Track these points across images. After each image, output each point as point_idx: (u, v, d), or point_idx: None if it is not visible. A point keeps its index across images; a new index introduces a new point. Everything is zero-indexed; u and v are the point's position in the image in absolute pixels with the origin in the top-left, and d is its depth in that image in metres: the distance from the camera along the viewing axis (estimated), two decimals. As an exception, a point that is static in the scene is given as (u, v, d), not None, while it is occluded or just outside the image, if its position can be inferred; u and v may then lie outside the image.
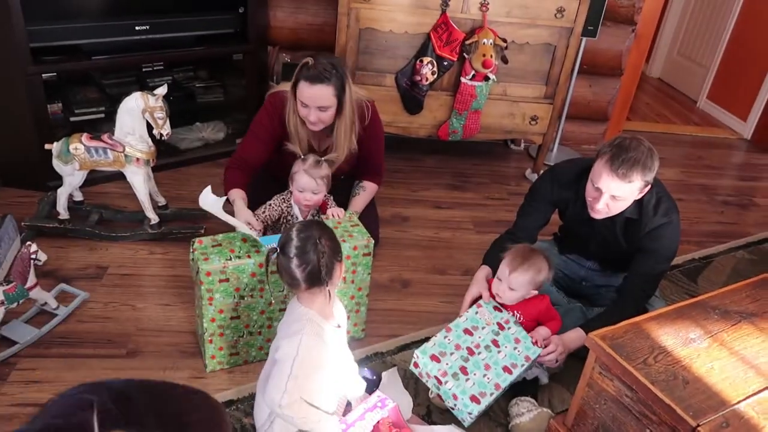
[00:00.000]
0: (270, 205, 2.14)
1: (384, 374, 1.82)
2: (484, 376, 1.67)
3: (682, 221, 2.00)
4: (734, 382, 1.46)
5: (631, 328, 1.60)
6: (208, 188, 1.84)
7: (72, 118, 2.72)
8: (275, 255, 1.49)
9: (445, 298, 2.27)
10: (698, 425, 1.31)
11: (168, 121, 2.30)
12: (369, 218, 2.31)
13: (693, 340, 1.59)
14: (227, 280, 1.73)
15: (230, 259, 1.73)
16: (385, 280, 2.35)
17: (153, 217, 2.39)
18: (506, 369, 1.71)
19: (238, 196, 2.13)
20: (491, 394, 1.64)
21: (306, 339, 1.46)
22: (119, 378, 0.84)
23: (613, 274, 2.17)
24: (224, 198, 1.89)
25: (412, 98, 2.95)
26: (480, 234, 2.71)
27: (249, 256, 1.75)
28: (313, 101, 2.03)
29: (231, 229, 1.90)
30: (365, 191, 2.34)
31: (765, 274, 1.92)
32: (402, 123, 3.03)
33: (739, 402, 1.39)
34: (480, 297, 1.92)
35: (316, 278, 1.46)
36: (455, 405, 1.63)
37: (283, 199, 2.15)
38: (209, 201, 1.85)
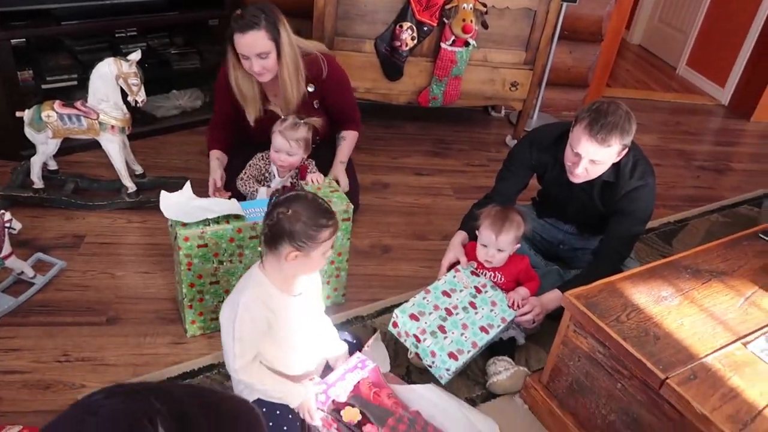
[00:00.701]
0: (250, 165, 2.17)
1: (369, 342, 1.82)
2: (462, 334, 1.70)
3: (659, 186, 2.03)
4: (703, 337, 1.50)
5: (605, 288, 1.64)
6: (163, 193, 1.72)
7: (44, 86, 2.66)
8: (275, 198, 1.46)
9: (425, 263, 2.29)
10: (667, 378, 1.35)
11: (143, 88, 2.26)
12: (349, 184, 2.32)
13: (665, 298, 1.63)
14: (206, 245, 1.72)
15: (208, 224, 1.72)
16: (366, 246, 2.36)
17: (130, 186, 2.36)
18: (483, 329, 1.74)
19: (213, 156, 2.22)
20: (468, 352, 1.67)
21: (244, 300, 1.42)
22: (160, 384, 0.63)
23: (590, 237, 2.21)
24: (186, 185, 1.78)
25: (391, 64, 2.92)
26: (460, 200, 2.72)
27: (227, 222, 1.74)
28: (250, 49, 2.00)
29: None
30: (346, 140, 2.35)
31: (735, 235, 1.97)
32: (382, 90, 3.01)
33: (706, 356, 1.44)
34: (457, 262, 1.95)
35: (268, 240, 1.42)
36: (433, 362, 1.66)
37: (262, 156, 2.17)
38: (172, 202, 1.71)
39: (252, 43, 1.99)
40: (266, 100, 2.23)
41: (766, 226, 2.02)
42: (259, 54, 2.01)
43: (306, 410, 1.52)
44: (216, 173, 2.19)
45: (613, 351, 1.48)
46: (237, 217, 1.76)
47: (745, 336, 1.51)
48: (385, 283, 2.18)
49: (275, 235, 1.40)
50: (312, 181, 2.06)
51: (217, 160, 2.23)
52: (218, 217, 1.74)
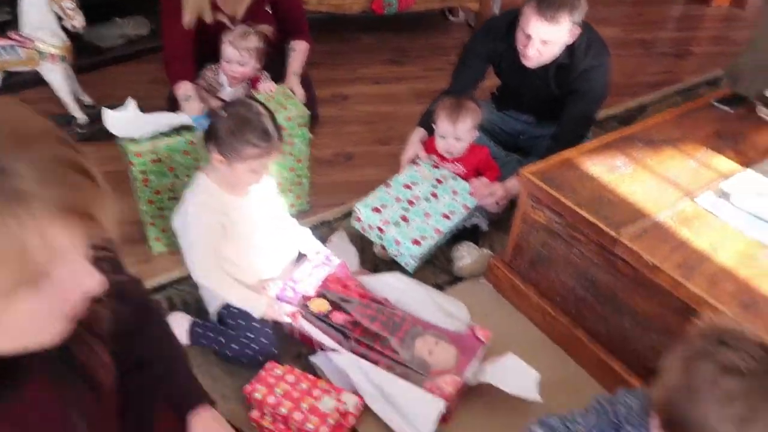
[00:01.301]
0: (199, 77, 2.11)
1: (332, 237, 1.86)
2: (425, 222, 1.73)
3: (621, 75, 2.02)
4: (655, 199, 1.54)
5: (561, 163, 1.66)
6: (105, 110, 1.66)
7: (-25, 23, 2.53)
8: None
9: (389, 167, 2.27)
10: (619, 236, 1.39)
11: (80, 13, 2.16)
12: (306, 97, 2.27)
13: (618, 167, 1.66)
14: (159, 160, 1.70)
15: (160, 138, 1.69)
16: (329, 155, 2.35)
17: (80, 117, 2.30)
18: (445, 216, 1.76)
19: (187, 89, 2.00)
20: (432, 238, 1.70)
21: (192, 209, 1.46)
22: None
23: (548, 125, 2.21)
24: (129, 101, 1.72)
25: (340, -29, 2.81)
26: (421, 105, 2.66)
27: (179, 135, 1.71)
28: None
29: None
30: (296, 51, 2.28)
31: (689, 104, 1.98)
32: (334, 0, 2.90)
33: (657, 213, 1.48)
34: (417, 158, 1.95)
35: (205, 138, 1.47)
36: (398, 251, 1.70)
37: (211, 67, 2.11)
38: (118, 119, 1.65)
39: None
40: (215, 8, 2.13)
41: (719, 94, 2.04)
42: None
43: (271, 319, 1.54)
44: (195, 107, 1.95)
45: (569, 219, 1.51)
46: (188, 129, 1.73)
47: (694, 192, 1.55)
48: (350, 188, 2.17)
49: (208, 134, 1.43)
50: (264, 90, 2.02)
51: (193, 91, 1.99)
52: (170, 130, 1.71)
